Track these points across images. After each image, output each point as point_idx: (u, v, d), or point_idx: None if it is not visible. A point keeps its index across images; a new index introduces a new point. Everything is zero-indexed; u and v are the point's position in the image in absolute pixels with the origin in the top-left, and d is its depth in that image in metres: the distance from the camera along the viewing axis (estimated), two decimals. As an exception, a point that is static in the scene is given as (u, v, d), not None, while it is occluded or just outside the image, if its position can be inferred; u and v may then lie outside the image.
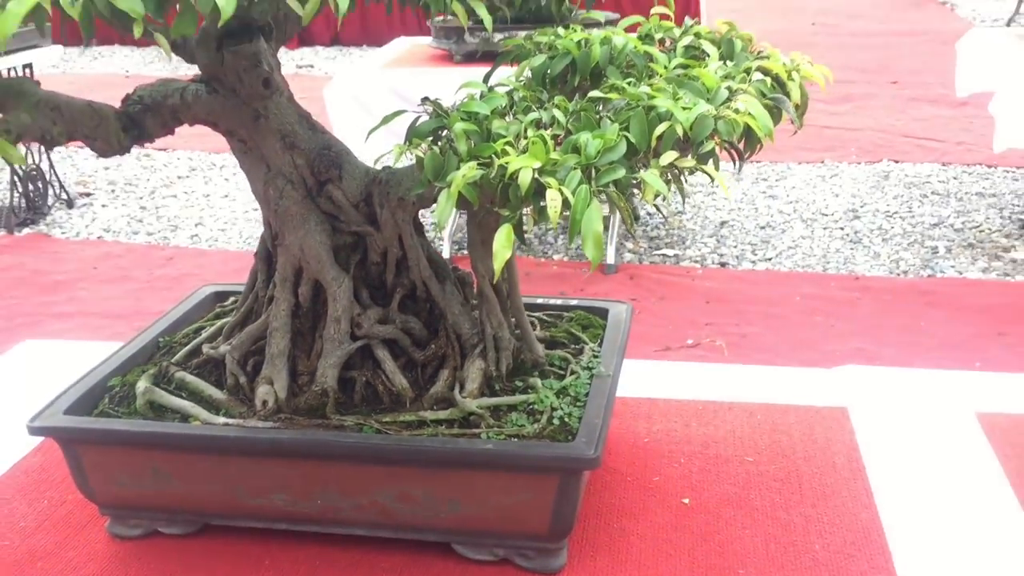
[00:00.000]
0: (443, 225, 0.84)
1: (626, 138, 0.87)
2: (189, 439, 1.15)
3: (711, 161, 0.91)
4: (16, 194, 4.78)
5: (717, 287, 3.64)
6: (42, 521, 1.28)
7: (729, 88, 0.93)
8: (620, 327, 1.34)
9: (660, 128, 0.86)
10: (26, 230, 4.62)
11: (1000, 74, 3.52)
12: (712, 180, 0.89)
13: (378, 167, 1.19)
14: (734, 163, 1.00)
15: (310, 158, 1.17)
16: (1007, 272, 3.63)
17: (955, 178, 4.62)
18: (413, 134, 0.99)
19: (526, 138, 0.87)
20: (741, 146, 0.94)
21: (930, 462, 1.31)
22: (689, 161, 0.85)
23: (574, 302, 1.43)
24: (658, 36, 1.11)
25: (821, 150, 5.11)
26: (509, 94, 1.00)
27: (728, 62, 1.02)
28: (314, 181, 1.18)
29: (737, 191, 4.62)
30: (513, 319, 1.22)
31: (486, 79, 1.08)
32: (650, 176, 0.84)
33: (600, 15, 1.49)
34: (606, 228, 3.98)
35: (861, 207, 4.33)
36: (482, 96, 0.98)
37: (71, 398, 1.21)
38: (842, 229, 4.11)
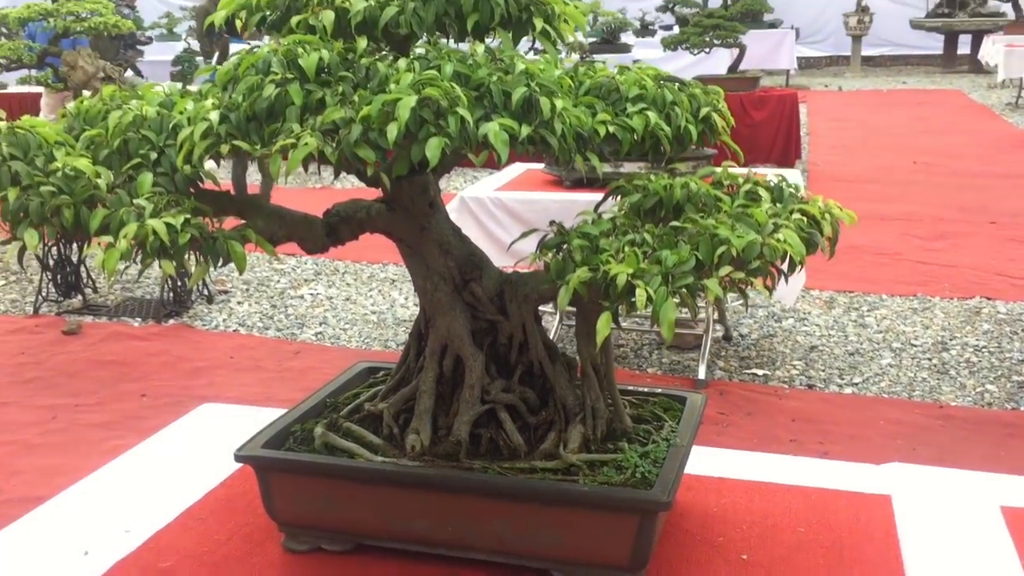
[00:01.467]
0: (563, 309, 1.18)
1: (696, 256, 1.21)
2: (355, 471, 1.50)
3: (759, 276, 1.24)
4: (166, 289, 5.38)
5: (803, 407, 3.86)
6: (231, 535, 1.64)
7: (775, 223, 1.26)
8: (695, 411, 1.65)
9: (720, 250, 1.20)
10: (172, 320, 5.19)
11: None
12: (763, 293, 1.22)
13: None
14: (775, 281, 1.32)
15: (459, 262, 1.54)
16: (1092, 409, 3.75)
17: (1047, 317, 4.76)
18: (543, 246, 1.36)
19: (623, 252, 1.22)
20: (784, 266, 1.27)
21: (959, 545, 1.55)
22: (741, 274, 1.18)
23: (659, 390, 1.74)
24: (727, 182, 1.46)
25: (915, 284, 5.31)
26: (612, 220, 1.36)
27: (777, 204, 1.36)
28: (460, 279, 1.55)
29: (828, 318, 4.85)
30: (608, 395, 1.55)
31: (597, 208, 1.45)
32: (711, 283, 1.17)
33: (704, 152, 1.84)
34: (699, 347, 4.27)
35: (950, 340, 4.50)
36: (593, 221, 1.34)
37: (264, 437, 1.58)
38: (930, 360, 4.29)
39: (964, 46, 15.39)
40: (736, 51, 8.44)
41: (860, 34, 15.47)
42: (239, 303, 5.49)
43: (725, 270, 1.19)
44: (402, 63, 1.26)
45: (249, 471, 1.60)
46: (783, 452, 3.42)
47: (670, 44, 8.73)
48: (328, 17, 1.31)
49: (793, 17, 16.09)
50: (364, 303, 5.45)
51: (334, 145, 1.16)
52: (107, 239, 1.20)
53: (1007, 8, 14.83)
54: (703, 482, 1.78)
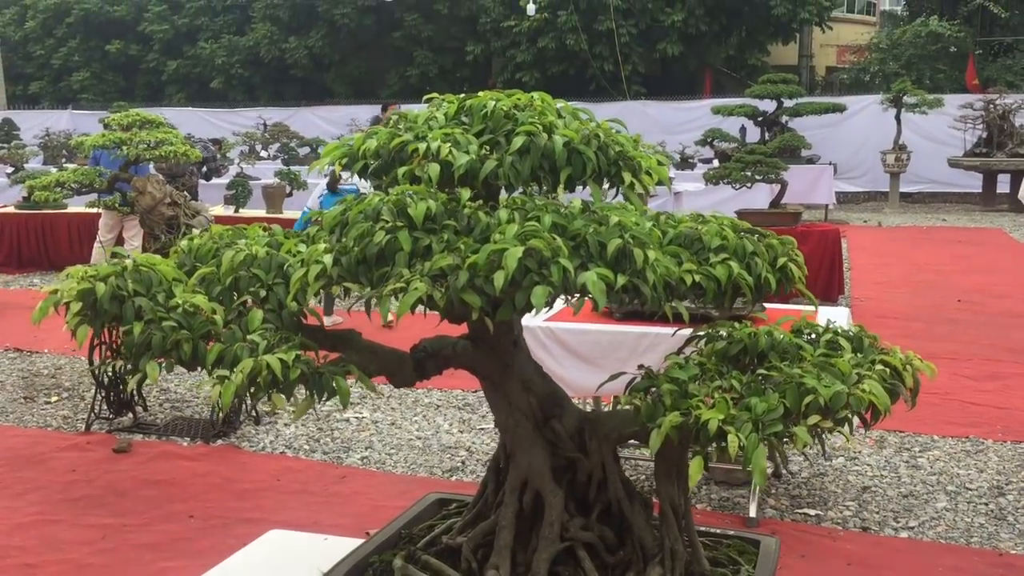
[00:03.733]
0: (654, 452, 1.23)
1: (784, 404, 1.25)
2: (434, 605, 1.51)
3: (846, 425, 1.27)
4: (216, 410, 5.45)
5: (858, 551, 3.78)
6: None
7: (859, 373, 1.31)
8: (770, 555, 1.66)
9: (807, 398, 1.24)
10: (219, 441, 5.23)
11: None
12: (846, 440, 1.25)
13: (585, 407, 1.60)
14: (864, 428, 1.36)
15: (541, 399, 1.59)
16: None
17: (1105, 463, 4.66)
18: (633, 389, 1.41)
19: (713, 398, 1.27)
20: (868, 416, 1.30)
21: None
22: (828, 423, 1.22)
23: (732, 532, 1.75)
24: (806, 331, 1.51)
25: (966, 425, 5.24)
26: (700, 364, 1.41)
27: (858, 353, 1.41)
28: (542, 416, 1.59)
29: (880, 458, 4.79)
30: (686, 537, 1.57)
31: (680, 350, 1.51)
32: (800, 431, 1.21)
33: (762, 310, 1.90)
34: (748, 483, 4.22)
35: (1006, 484, 4.41)
36: (681, 366, 1.39)
37: (344, 569, 1.61)
38: (986, 504, 4.20)
39: (1003, 184, 15.53)
40: (777, 186, 8.61)
41: (898, 171, 15.71)
42: (285, 425, 5.54)
43: (813, 419, 1.23)
44: (503, 214, 1.35)
45: (327, 601, 1.62)
46: (840, 597, 3.34)
47: (712, 178, 8.93)
48: (434, 169, 1.41)
49: (830, 153, 16.41)
50: (409, 428, 5.47)
51: (442, 291, 1.24)
52: (221, 372, 1.27)
53: (1045, 149, 15.03)
54: (776, 629, 1.76)
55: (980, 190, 15.94)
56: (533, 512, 1.58)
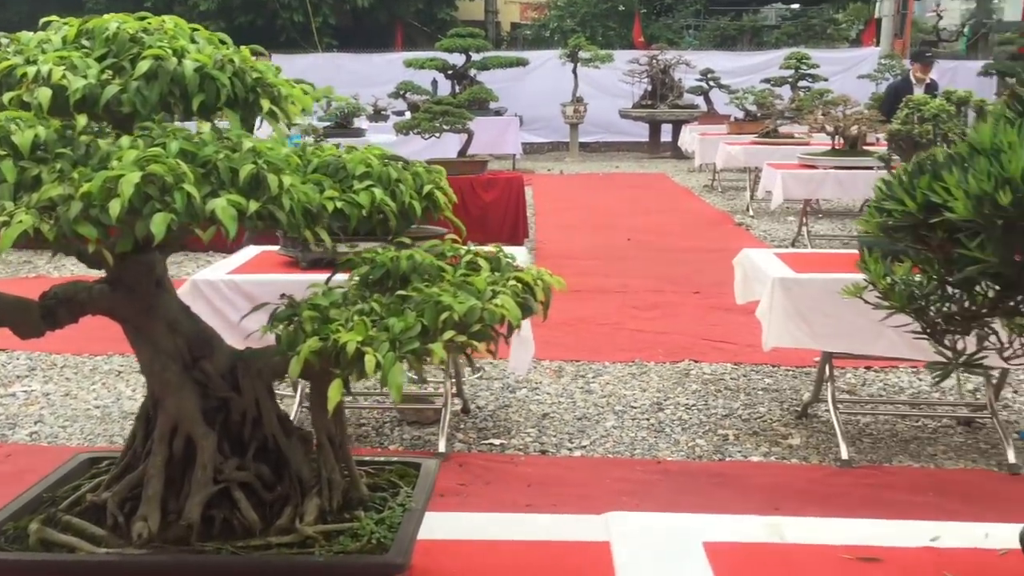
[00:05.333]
0: (294, 378, 1.21)
1: (421, 322, 1.29)
2: (75, 565, 1.41)
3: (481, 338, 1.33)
4: None
5: (537, 472, 4.04)
6: (-72, 651, 1.48)
7: (493, 290, 1.37)
8: (429, 475, 1.71)
9: (443, 315, 1.29)
10: None
11: (760, 285, 4.24)
12: (485, 352, 1.31)
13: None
14: (506, 339, 1.43)
15: (189, 340, 1.52)
16: (784, 456, 4.21)
17: (744, 375, 5.30)
18: (274, 318, 1.38)
19: (352, 321, 1.28)
20: (503, 329, 1.37)
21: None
22: (463, 338, 1.28)
23: (395, 459, 1.79)
24: (450, 254, 1.56)
25: (633, 350, 5.73)
26: (343, 292, 1.41)
27: (496, 272, 1.48)
28: (190, 357, 1.53)
29: (559, 387, 5.13)
30: (343, 465, 1.58)
31: (327, 282, 1.50)
32: (436, 347, 1.25)
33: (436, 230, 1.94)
34: (437, 421, 4.36)
35: (665, 400, 4.90)
36: (323, 293, 1.39)
37: (-31, 538, 1.46)
38: (648, 420, 4.64)
39: (667, 134, 17.03)
40: (465, 136, 8.84)
41: (577, 122, 16.70)
42: (-70, 405, 4.94)
43: (448, 334, 1.27)
44: (125, 140, 1.26)
45: (-49, 578, 1.47)
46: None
47: (402, 129, 8.99)
48: (44, 94, 1.29)
49: (517, 105, 17.12)
50: (86, 398, 5.08)
51: (52, 222, 1.14)
52: None
53: (700, 101, 16.63)
54: (441, 545, 1.83)
55: (647, 139, 17.36)
56: (185, 458, 1.52)
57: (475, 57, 16.39)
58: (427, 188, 1.57)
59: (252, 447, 1.55)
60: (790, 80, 15.08)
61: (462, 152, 8.89)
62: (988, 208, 1.24)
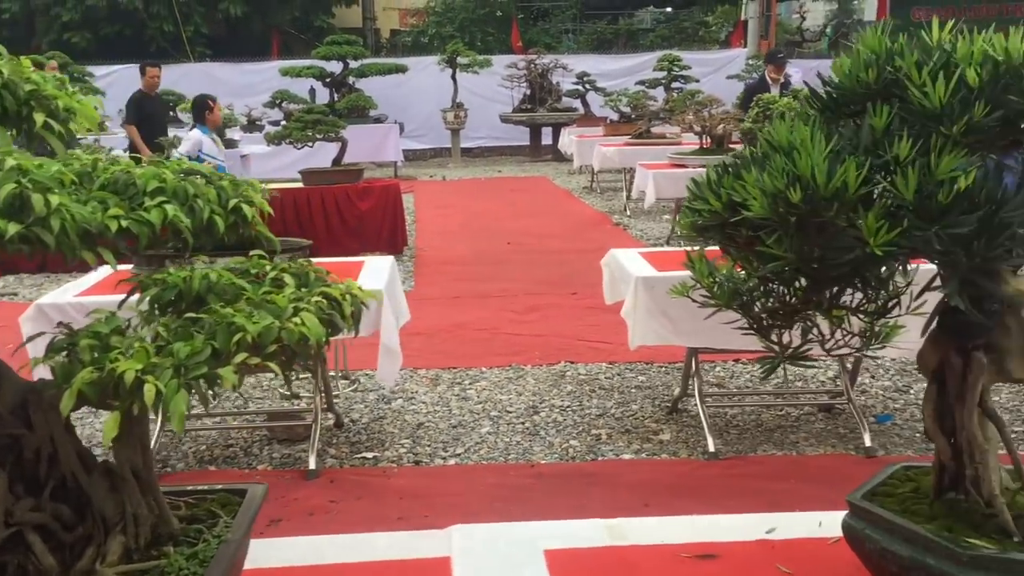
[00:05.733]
0: (66, 413, 1.13)
1: (212, 345, 1.22)
2: None
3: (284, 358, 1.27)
4: None
5: (410, 483, 3.97)
6: None
7: (295, 307, 1.31)
8: (254, 503, 1.63)
9: (236, 336, 1.22)
10: None
11: (625, 284, 4.29)
12: (276, 374, 1.25)
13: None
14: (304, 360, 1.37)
15: (-30, 375, 1.41)
16: (654, 452, 4.26)
17: (619, 374, 5.36)
18: (50, 349, 1.28)
19: (133, 349, 1.19)
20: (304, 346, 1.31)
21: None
22: (256, 359, 1.21)
23: (219, 486, 1.70)
24: (254, 271, 1.49)
25: (510, 355, 5.73)
26: (133, 318, 1.33)
27: (303, 288, 1.41)
28: (-27, 394, 1.41)
29: (434, 395, 5.07)
30: (151, 498, 1.49)
31: (120, 305, 1.41)
32: (225, 372, 1.18)
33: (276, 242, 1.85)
34: (307, 438, 4.25)
35: (540, 403, 4.91)
36: (106, 319, 1.30)
37: None
38: (523, 423, 4.63)
39: (547, 137, 17.17)
40: (339, 145, 8.70)
41: (458, 128, 16.69)
42: None
43: (240, 357, 1.21)
44: None
45: None
46: (391, 530, 3.48)
47: (274, 139, 8.80)
48: None
49: (398, 112, 17.00)
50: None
51: None
52: None
53: (578, 104, 16.84)
54: (268, 575, 1.76)
55: (528, 142, 17.47)
56: (-29, 502, 1.41)
57: (353, 64, 16.19)
58: (233, 202, 1.50)
59: (49, 486, 1.44)
60: (663, 82, 15.42)
61: (336, 161, 8.74)
62: (782, 206, 1.24)
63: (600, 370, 5.42)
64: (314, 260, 4.80)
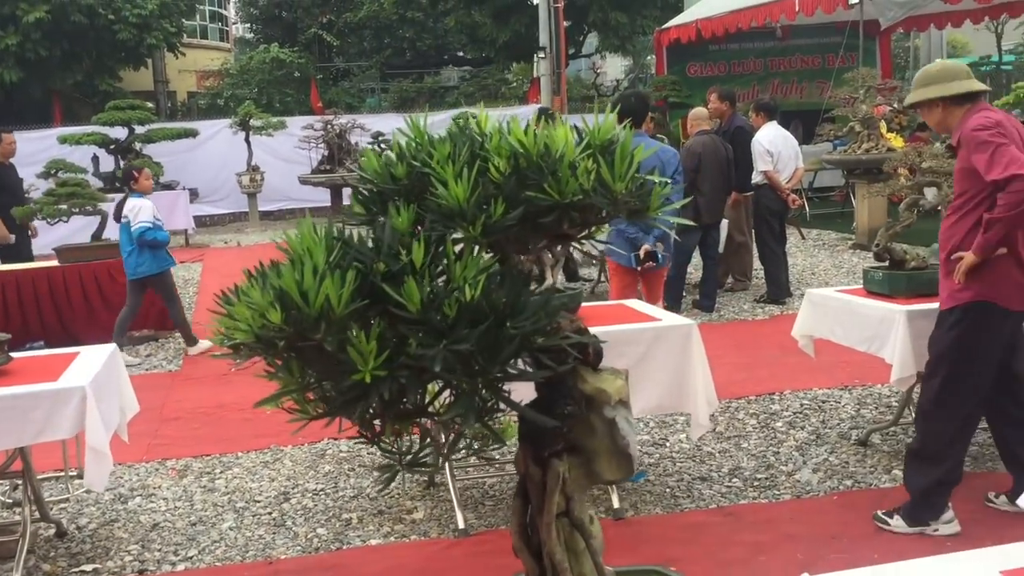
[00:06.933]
0: None
1: None
2: None
3: None
4: None
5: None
6: None
7: None
8: None
9: None
10: None
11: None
12: None
13: None
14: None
15: None
16: (405, 533, 4.06)
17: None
18: None
19: None
20: None
21: None
22: None
23: None
24: None
25: (270, 436, 5.39)
26: None
27: None
28: None
29: (179, 489, 4.69)
30: None
31: None
32: None
33: None
34: (14, 556, 3.80)
35: (293, 488, 4.62)
36: None
37: None
38: (270, 514, 4.33)
39: (347, 197, 16.92)
40: (99, 219, 8.16)
41: (254, 191, 16.19)
42: None
43: None
44: None
45: None
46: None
47: (22, 215, 8.19)
48: None
49: (191, 178, 16.33)
50: None
51: None
52: None
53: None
54: None
55: (330, 203, 17.14)
56: None
57: (140, 130, 15.48)
58: None
59: None
60: (460, 139, 15.51)
61: (96, 235, 8.18)
62: (266, 328, 1.09)
63: (362, 445, 5.19)
64: (27, 353, 4.36)
